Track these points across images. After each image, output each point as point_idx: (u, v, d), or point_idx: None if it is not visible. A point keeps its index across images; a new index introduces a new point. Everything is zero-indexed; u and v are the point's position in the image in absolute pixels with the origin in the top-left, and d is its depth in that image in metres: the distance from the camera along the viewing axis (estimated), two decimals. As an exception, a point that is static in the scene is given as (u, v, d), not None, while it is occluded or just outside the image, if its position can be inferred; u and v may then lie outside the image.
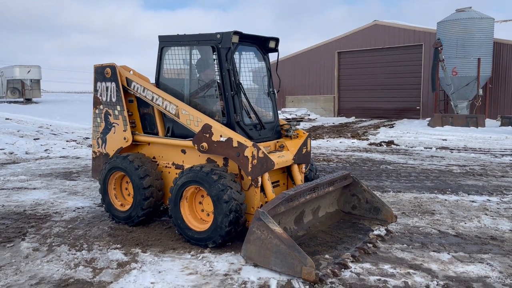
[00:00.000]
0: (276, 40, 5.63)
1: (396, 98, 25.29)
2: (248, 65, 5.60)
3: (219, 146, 4.90)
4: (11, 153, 12.41)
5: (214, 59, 5.12)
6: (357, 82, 26.74)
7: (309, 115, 25.43)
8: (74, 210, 6.35)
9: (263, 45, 5.61)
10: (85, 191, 7.54)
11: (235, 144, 4.78)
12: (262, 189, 4.99)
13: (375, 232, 5.28)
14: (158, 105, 5.46)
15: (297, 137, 5.75)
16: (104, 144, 6.07)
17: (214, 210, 4.69)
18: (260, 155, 4.82)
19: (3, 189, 7.72)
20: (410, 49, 24.48)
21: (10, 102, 34.78)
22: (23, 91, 35.40)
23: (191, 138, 5.18)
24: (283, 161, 5.29)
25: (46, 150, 13.22)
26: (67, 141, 15.45)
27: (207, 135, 4.97)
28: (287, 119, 21.98)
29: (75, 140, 15.78)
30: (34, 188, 7.71)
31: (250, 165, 4.72)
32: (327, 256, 4.57)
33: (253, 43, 5.53)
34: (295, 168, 5.51)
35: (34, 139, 15.38)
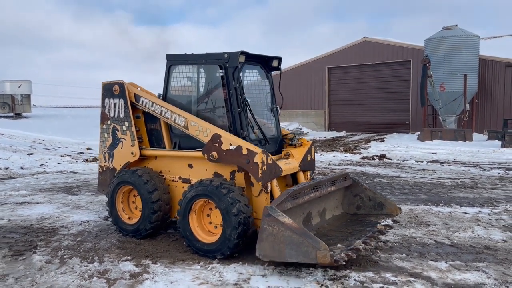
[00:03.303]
0: (279, 59, 5.91)
1: (386, 112, 25.80)
2: (253, 82, 5.85)
3: (229, 154, 5.08)
4: (7, 168, 12.43)
5: (221, 78, 5.35)
6: (347, 97, 27.24)
7: (300, 129, 25.80)
8: (80, 224, 6.47)
9: (266, 63, 5.88)
10: (89, 205, 7.65)
11: (244, 151, 4.97)
12: (271, 196, 5.15)
13: (383, 223, 5.47)
14: (167, 118, 5.65)
15: (301, 145, 5.99)
16: (111, 159, 6.23)
17: (223, 223, 4.86)
18: (269, 161, 5.03)
19: (6, 203, 7.79)
20: (399, 65, 25.09)
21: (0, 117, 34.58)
22: (13, 106, 35.24)
23: (199, 149, 5.37)
24: (290, 167, 5.52)
25: (42, 165, 13.26)
26: (61, 156, 15.47)
27: (217, 145, 5.15)
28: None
29: (70, 155, 15.80)
30: (38, 203, 7.80)
31: (260, 171, 4.91)
32: (339, 245, 4.71)
33: (257, 62, 5.79)
34: (301, 175, 5.76)
35: (28, 154, 15.37)
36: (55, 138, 21.67)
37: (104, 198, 8.11)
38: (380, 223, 5.51)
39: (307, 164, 5.86)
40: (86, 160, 14.41)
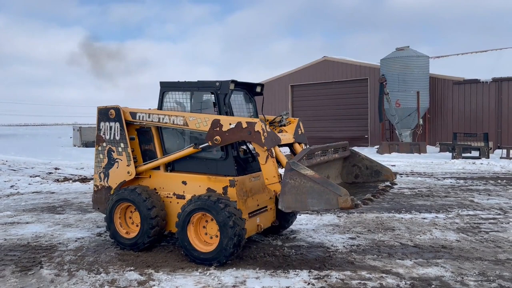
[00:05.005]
0: (262, 85, 6.66)
1: (346, 127, 27.17)
2: (239, 106, 6.53)
3: (231, 133, 5.58)
4: (-24, 190, 12.31)
5: (213, 103, 5.98)
6: (309, 113, 28.46)
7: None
8: (75, 241, 6.82)
9: (251, 89, 6.60)
10: (78, 223, 7.97)
11: (244, 125, 5.52)
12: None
13: (383, 185, 6.01)
14: (166, 123, 6.11)
15: (290, 123, 6.64)
16: (106, 178, 6.66)
17: (220, 234, 5.44)
18: (268, 129, 5.58)
19: (-6, 224, 7.96)
20: (357, 82, 26.63)
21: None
22: (-31, 125, 34.02)
23: (191, 145, 5.90)
24: (286, 138, 6.15)
25: (12, 186, 13.20)
26: (30, 176, 15.38)
27: (218, 129, 5.64)
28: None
29: (39, 175, 15.73)
30: (27, 223, 8.02)
31: (263, 137, 5.44)
32: (352, 197, 4.97)
33: (243, 88, 6.50)
34: (297, 146, 6.40)
35: (-5, 176, 15.20)
36: (19, 159, 21.28)
37: (92, 216, 8.46)
38: (379, 185, 5.93)
39: (300, 137, 6.50)
40: (57, 180, 14.46)
